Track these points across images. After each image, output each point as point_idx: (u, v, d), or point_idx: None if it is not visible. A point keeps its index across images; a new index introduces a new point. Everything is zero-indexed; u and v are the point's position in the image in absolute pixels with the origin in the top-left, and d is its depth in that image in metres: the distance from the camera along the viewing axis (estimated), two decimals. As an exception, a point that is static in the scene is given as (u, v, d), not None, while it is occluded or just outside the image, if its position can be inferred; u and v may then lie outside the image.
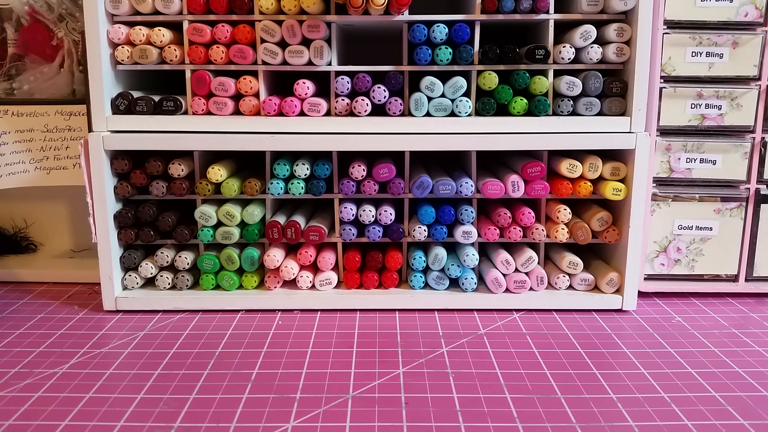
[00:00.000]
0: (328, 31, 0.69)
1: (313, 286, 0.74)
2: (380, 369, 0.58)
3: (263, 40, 0.68)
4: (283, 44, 0.69)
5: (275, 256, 0.72)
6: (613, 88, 0.69)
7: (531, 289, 0.73)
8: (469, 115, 0.70)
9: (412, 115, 0.70)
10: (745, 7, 0.70)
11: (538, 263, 0.74)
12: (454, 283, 0.74)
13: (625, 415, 0.50)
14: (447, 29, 0.68)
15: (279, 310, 0.72)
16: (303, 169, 0.71)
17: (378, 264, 0.73)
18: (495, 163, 0.80)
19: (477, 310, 0.72)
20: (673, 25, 0.71)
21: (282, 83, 0.78)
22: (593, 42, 0.68)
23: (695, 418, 0.50)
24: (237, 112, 0.71)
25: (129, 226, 0.72)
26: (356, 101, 0.69)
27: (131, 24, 0.70)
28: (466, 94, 0.70)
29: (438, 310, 0.72)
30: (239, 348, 0.62)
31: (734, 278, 0.76)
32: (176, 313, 0.72)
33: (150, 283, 0.75)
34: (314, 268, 0.75)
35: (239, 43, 0.68)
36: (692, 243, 0.75)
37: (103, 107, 0.69)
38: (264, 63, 0.69)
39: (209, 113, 0.70)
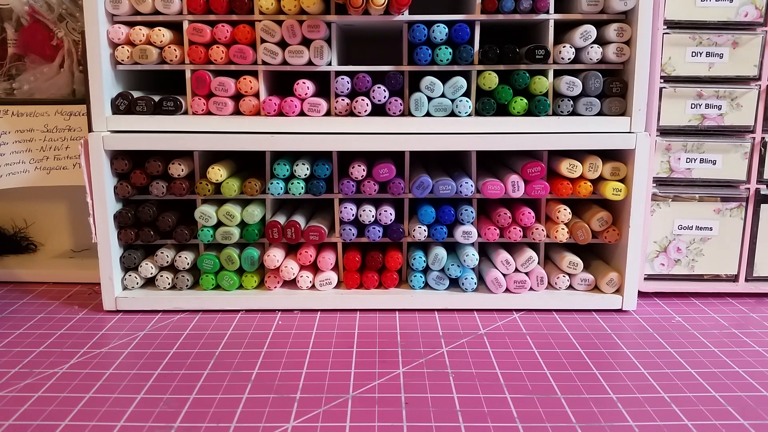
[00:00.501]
0: (328, 31, 0.69)
1: (313, 286, 0.74)
2: (380, 369, 0.58)
3: (263, 40, 0.68)
4: (283, 44, 0.69)
5: (275, 256, 0.72)
6: (613, 88, 0.69)
7: (531, 289, 0.73)
8: (469, 115, 0.70)
9: (412, 115, 0.70)
10: (745, 7, 0.70)
11: (538, 263, 0.74)
12: (454, 283, 0.74)
13: (625, 415, 0.50)
14: (447, 29, 0.68)
15: (279, 310, 0.72)
16: (303, 169, 0.71)
17: (378, 264, 0.73)
18: (495, 163, 0.80)
19: (477, 310, 0.72)
20: (673, 25, 0.71)
21: (282, 83, 0.78)
22: (593, 42, 0.68)
23: (695, 418, 0.50)
24: (237, 112, 0.71)
25: (129, 226, 0.72)
26: (356, 101, 0.69)
27: (131, 24, 0.70)
28: (466, 94, 0.70)
29: (438, 310, 0.72)
30: (239, 348, 0.62)
31: (734, 278, 0.76)
32: (176, 313, 0.72)
33: (150, 283, 0.75)
34: (314, 268, 0.75)
35: (239, 43, 0.68)
36: (692, 243, 0.75)
37: (103, 107, 0.69)
38: (264, 63, 0.69)
39: (209, 113, 0.70)
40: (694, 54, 0.71)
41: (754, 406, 0.52)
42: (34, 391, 0.54)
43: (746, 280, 0.76)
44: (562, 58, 0.69)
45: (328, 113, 0.70)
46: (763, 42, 0.71)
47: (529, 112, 0.70)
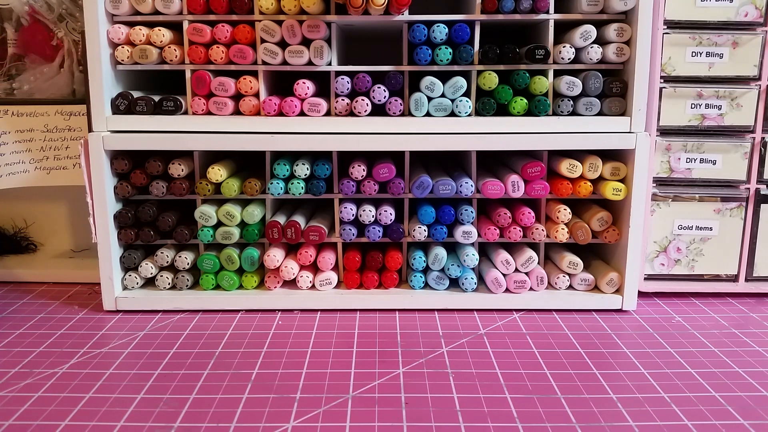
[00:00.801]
0: (328, 31, 0.69)
1: (313, 286, 0.74)
2: (380, 369, 0.58)
3: (263, 40, 0.68)
4: (283, 44, 0.69)
5: (275, 256, 0.72)
6: (613, 88, 0.69)
7: (531, 289, 0.73)
8: (469, 115, 0.70)
9: (412, 115, 0.70)
10: (745, 7, 0.70)
11: (538, 263, 0.74)
12: (454, 283, 0.74)
13: (625, 415, 0.50)
14: (447, 29, 0.68)
15: (279, 310, 0.72)
16: (303, 169, 0.71)
17: (378, 264, 0.73)
18: (495, 163, 0.80)
19: (477, 310, 0.72)
20: (673, 25, 0.71)
21: (282, 83, 0.78)
22: (593, 42, 0.68)
23: (695, 418, 0.50)
24: (237, 112, 0.71)
25: (129, 226, 0.72)
26: (356, 101, 0.69)
27: (131, 24, 0.70)
28: (466, 94, 0.70)
29: (438, 310, 0.72)
30: (239, 348, 0.62)
31: (734, 278, 0.76)
32: (176, 313, 0.72)
33: (150, 283, 0.75)
34: (314, 268, 0.75)
35: (239, 43, 0.68)
36: (692, 243, 0.75)
37: (103, 107, 0.69)
38: (264, 63, 0.69)
39: (209, 113, 0.70)
40: (694, 54, 0.71)
41: (754, 406, 0.52)
42: (34, 391, 0.54)
43: (746, 280, 0.76)
44: (562, 58, 0.69)
45: (328, 113, 0.70)
46: (763, 42, 0.71)
47: (529, 112, 0.70)
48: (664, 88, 0.72)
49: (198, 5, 0.67)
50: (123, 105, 0.70)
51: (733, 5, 0.70)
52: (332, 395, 0.53)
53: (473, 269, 0.74)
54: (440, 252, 0.73)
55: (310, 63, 0.69)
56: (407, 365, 0.59)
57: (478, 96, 0.70)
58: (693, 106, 0.72)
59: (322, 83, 0.74)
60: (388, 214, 0.71)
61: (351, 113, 0.70)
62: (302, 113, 0.70)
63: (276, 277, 0.73)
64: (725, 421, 0.50)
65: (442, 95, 0.69)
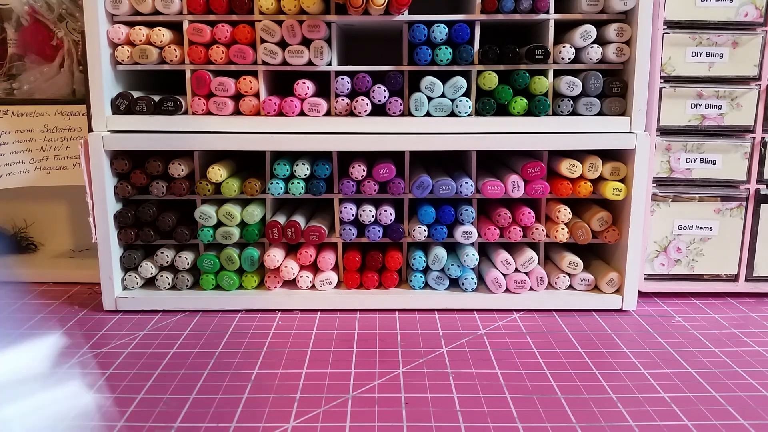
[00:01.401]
0: (328, 31, 0.69)
1: (313, 286, 0.74)
2: (380, 369, 0.58)
3: (263, 40, 0.68)
4: (283, 44, 0.69)
5: (275, 256, 0.72)
6: (613, 88, 0.69)
7: (531, 289, 0.73)
8: (469, 115, 0.70)
9: (412, 115, 0.70)
10: (745, 7, 0.70)
11: (538, 263, 0.74)
12: (454, 283, 0.74)
13: (625, 415, 0.50)
14: (447, 29, 0.68)
15: (279, 310, 0.72)
16: (303, 169, 0.71)
17: (378, 264, 0.73)
18: (495, 163, 0.80)
19: (477, 310, 0.72)
20: (673, 25, 0.71)
21: (282, 83, 0.78)
22: (593, 42, 0.68)
23: (695, 418, 0.50)
24: (237, 112, 0.71)
25: (129, 226, 0.72)
26: (356, 101, 0.69)
27: (131, 24, 0.70)
28: (466, 94, 0.70)
29: (438, 310, 0.72)
30: (239, 348, 0.62)
31: (734, 278, 0.76)
32: (176, 313, 0.72)
33: (150, 283, 0.75)
34: (314, 268, 0.75)
35: (239, 43, 0.68)
36: (692, 243, 0.75)
37: (103, 107, 0.69)
38: (264, 63, 0.69)
39: (209, 113, 0.70)
40: (694, 54, 0.71)
41: (754, 406, 0.52)
42: (34, 391, 0.54)
43: (746, 280, 0.76)
44: (562, 58, 0.69)
45: (328, 113, 0.70)
46: (763, 42, 0.71)
47: (529, 112, 0.70)
48: (664, 88, 0.72)
49: (198, 5, 0.67)
50: (123, 105, 0.70)
51: (733, 5, 0.70)
52: (332, 395, 0.53)
53: (473, 269, 0.74)
54: (440, 252, 0.73)
55: (310, 63, 0.69)
56: (407, 365, 0.59)
57: (478, 96, 0.70)
58: (693, 106, 0.72)
59: (322, 83, 0.74)
60: (388, 214, 0.71)
61: (351, 113, 0.70)
62: (302, 113, 0.70)
63: (276, 277, 0.73)
64: (725, 421, 0.50)
65: (442, 95, 0.69)
